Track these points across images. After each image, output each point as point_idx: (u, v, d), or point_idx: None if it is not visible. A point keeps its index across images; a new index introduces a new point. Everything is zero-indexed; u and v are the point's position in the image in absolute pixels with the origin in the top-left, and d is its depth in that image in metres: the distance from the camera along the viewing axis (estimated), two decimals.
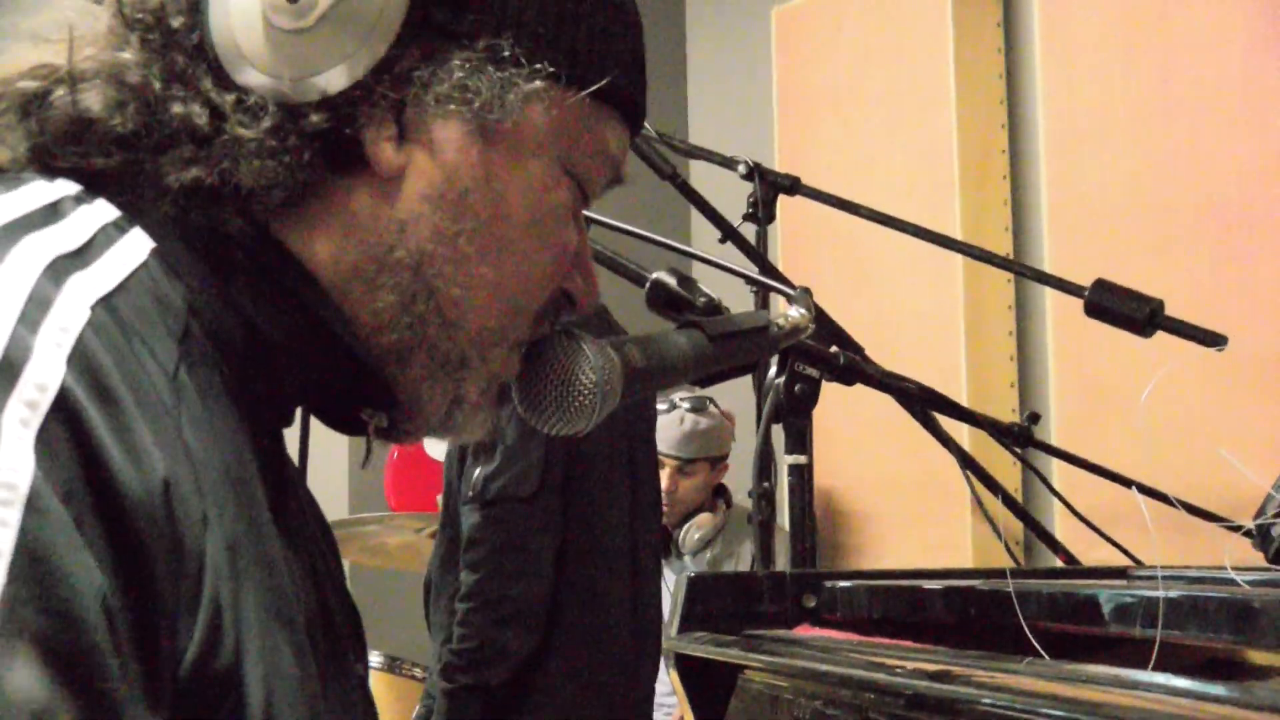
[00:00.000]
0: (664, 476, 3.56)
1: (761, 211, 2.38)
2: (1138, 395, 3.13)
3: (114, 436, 0.68)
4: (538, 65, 0.85)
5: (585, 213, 0.95)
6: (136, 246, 0.78)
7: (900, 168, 3.79)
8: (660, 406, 3.51)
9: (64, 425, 0.67)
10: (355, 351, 0.86)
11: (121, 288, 0.74)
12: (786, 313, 1.25)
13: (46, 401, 0.67)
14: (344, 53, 0.82)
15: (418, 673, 3.37)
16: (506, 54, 0.84)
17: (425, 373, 0.88)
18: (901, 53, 3.87)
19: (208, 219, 0.81)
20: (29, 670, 0.63)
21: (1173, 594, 0.96)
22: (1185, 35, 3.22)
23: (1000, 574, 1.19)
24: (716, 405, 3.79)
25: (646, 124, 2.17)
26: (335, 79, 0.82)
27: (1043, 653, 1.02)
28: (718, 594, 1.47)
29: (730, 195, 2.36)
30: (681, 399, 3.75)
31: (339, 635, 0.90)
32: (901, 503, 3.76)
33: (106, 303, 0.72)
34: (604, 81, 0.88)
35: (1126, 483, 1.38)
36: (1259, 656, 1.03)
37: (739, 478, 3.86)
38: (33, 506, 0.65)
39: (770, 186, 2.38)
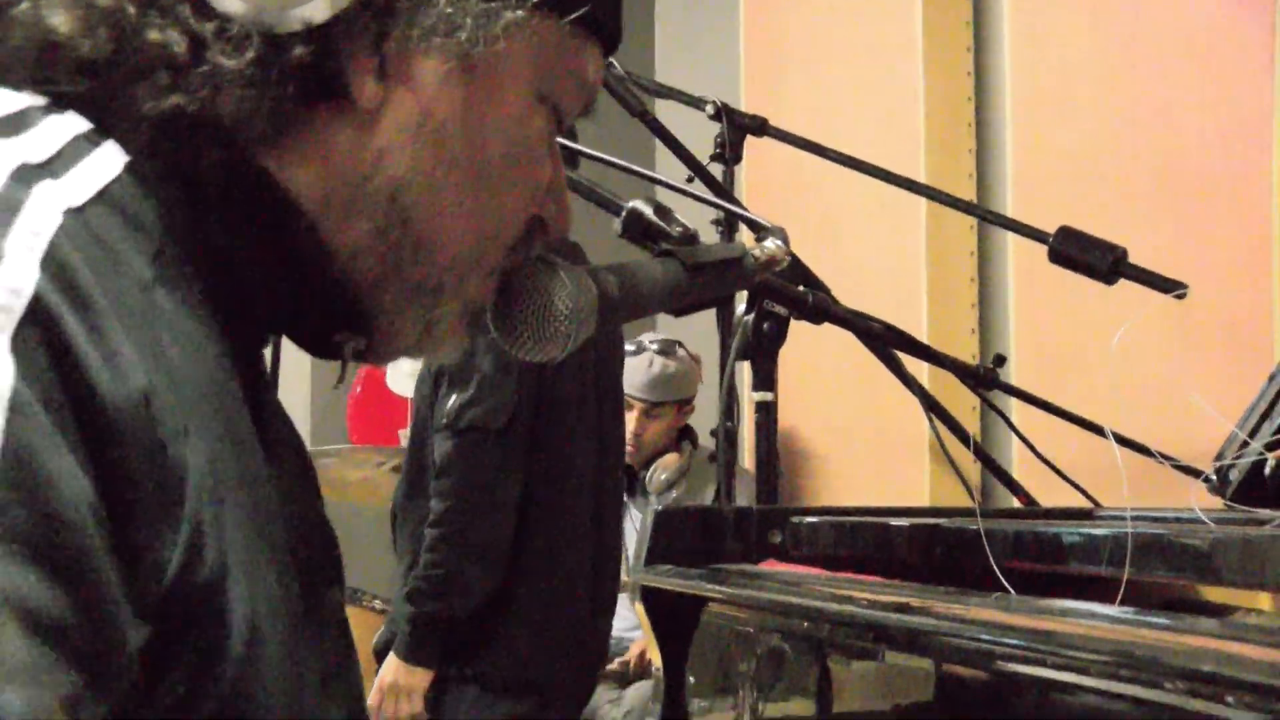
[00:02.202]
0: (631, 419, 3.58)
1: (729, 152, 2.38)
2: (1097, 344, 3.15)
3: (91, 344, 0.67)
4: None
5: (563, 142, 0.95)
6: (109, 160, 0.76)
7: (866, 113, 3.80)
8: (628, 349, 3.52)
9: (39, 331, 0.65)
10: (332, 277, 0.85)
11: (93, 201, 0.73)
12: (763, 245, 1.25)
13: (20, 306, 0.65)
14: None
15: (378, 604, 3.39)
16: None
17: (401, 298, 0.87)
18: (868, 5, 3.87)
19: (185, 147, 0.80)
20: (20, 571, 0.62)
21: (1140, 531, 0.96)
22: (1158, 9, 3.23)
23: (968, 513, 1.20)
24: (684, 348, 3.80)
25: (615, 62, 2.16)
26: (319, 9, 0.80)
27: (1009, 589, 1.03)
28: (684, 529, 1.48)
29: (696, 136, 2.34)
30: (650, 341, 3.77)
31: (317, 557, 0.89)
32: (860, 444, 3.79)
33: (78, 214, 0.71)
34: (584, 9, 0.87)
35: (1097, 429, 1.38)
36: (1223, 593, 1.04)
37: (702, 418, 3.87)
38: (16, 409, 0.63)
39: (738, 127, 2.38)
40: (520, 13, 0.84)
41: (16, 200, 0.68)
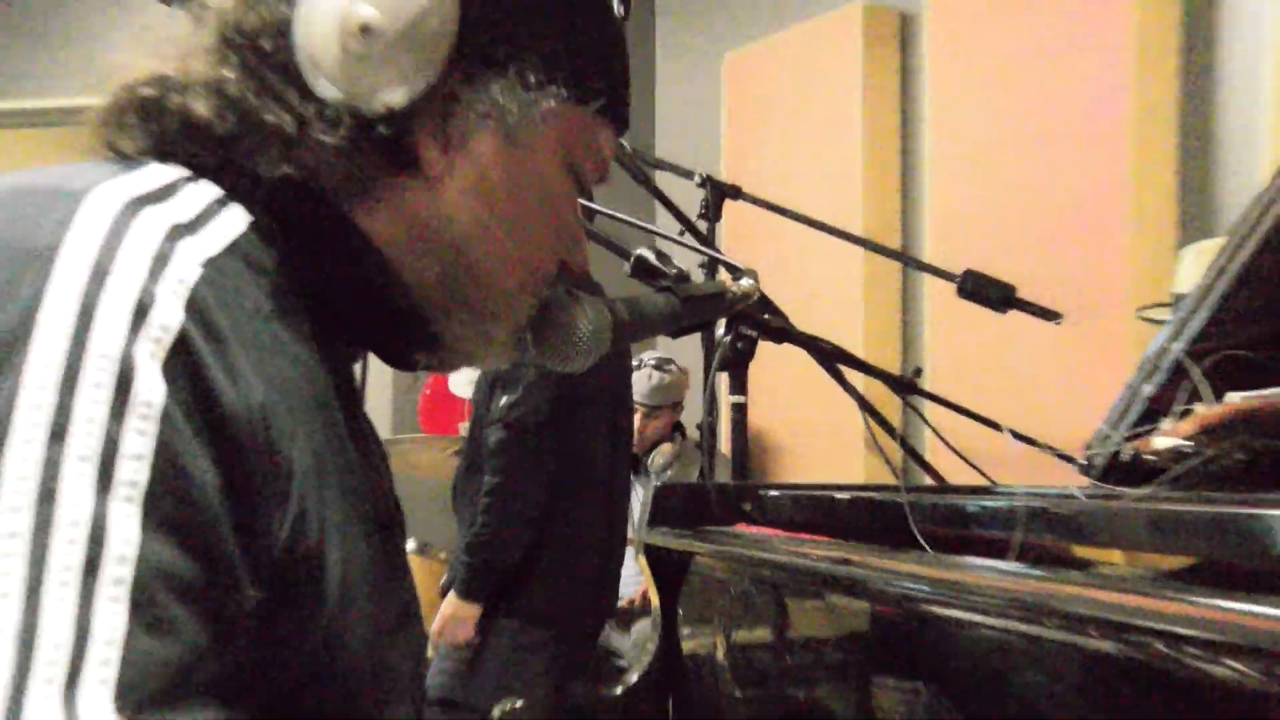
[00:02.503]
0: (636, 419, 3.57)
1: (711, 212, 2.37)
2: (995, 358, 3.15)
3: (221, 369, 0.66)
4: (555, 86, 0.83)
5: (589, 205, 0.94)
6: (236, 219, 0.75)
7: (817, 180, 3.80)
8: (633, 364, 3.52)
9: (182, 359, 0.65)
10: (408, 307, 0.85)
11: (226, 251, 0.72)
12: (739, 283, 1.25)
13: (169, 340, 0.65)
14: (404, 75, 0.79)
15: (441, 555, 3.37)
16: (531, 79, 0.82)
17: (464, 321, 0.86)
18: (821, 93, 3.88)
19: (294, 205, 0.79)
20: (166, 546, 0.62)
21: (1027, 504, 0.96)
22: (1038, 91, 3.24)
23: (893, 489, 1.20)
24: (675, 363, 3.79)
25: (625, 141, 2.15)
26: (397, 96, 0.79)
27: (926, 548, 1.03)
28: (677, 500, 1.47)
29: (687, 199, 2.34)
30: (649, 359, 3.76)
31: (393, 523, 0.89)
32: (811, 436, 3.79)
33: (214, 262, 0.70)
34: (603, 100, 0.87)
35: (994, 424, 1.38)
36: (1090, 552, 1.04)
37: (690, 415, 3.86)
38: (165, 420, 0.63)
39: (718, 193, 2.37)
40: (554, 102, 0.83)
41: (167, 254, 0.68)
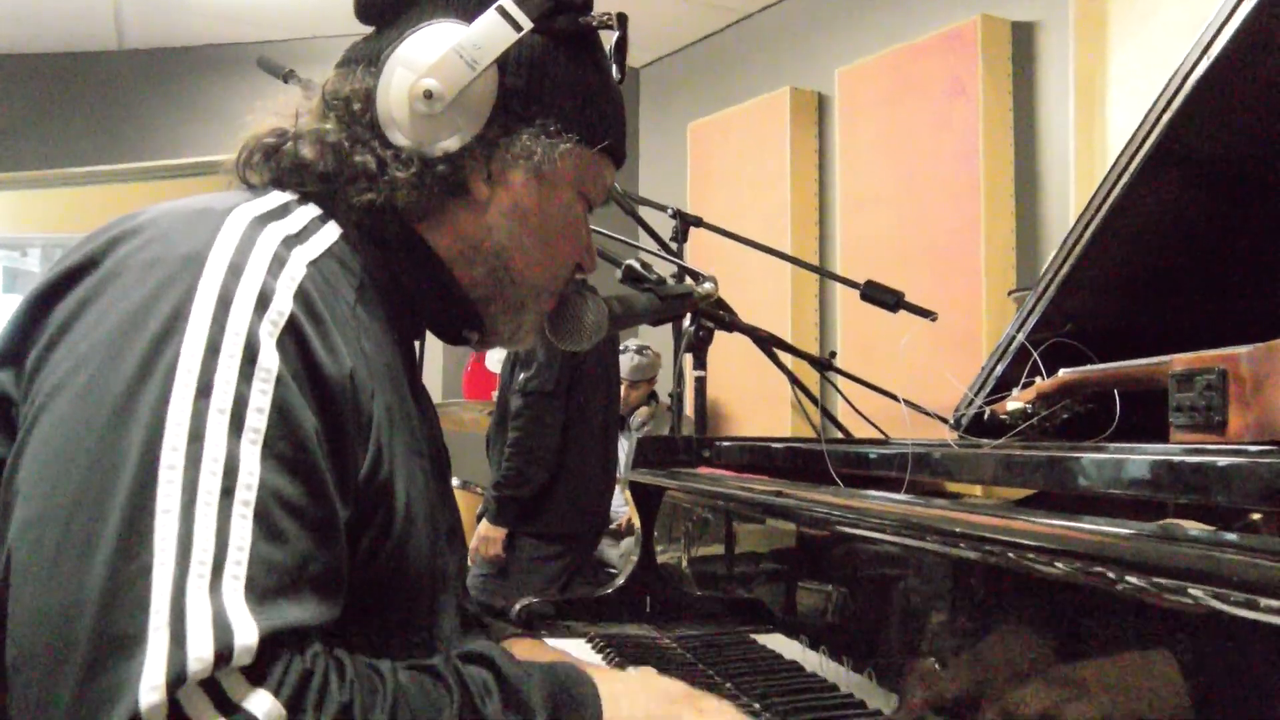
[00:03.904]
0: (622, 389, 3.57)
1: (680, 235, 2.36)
2: (889, 344, 3.16)
3: (321, 343, 0.66)
4: (570, 134, 0.83)
5: (594, 228, 0.93)
6: (332, 231, 0.75)
7: (756, 213, 3.80)
8: (620, 350, 3.52)
9: (292, 336, 0.65)
10: (461, 299, 0.84)
11: (324, 255, 0.72)
12: (702, 286, 1.24)
13: (283, 322, 0.65)
14: (457, 128, 0.79)
15: (478, 490, 3.36)
16: (552, 129, 0.82)
17: (501, 311, 0.86)
18: (760, 151, 3.88)
19: (375, 223, 0.79)
20: (281, 476, 0.62)
21: (914, 452, 0.96)
22: (917, 155, 3.24)
23: (814, 441, 1.20)
24: (650, 349, 3.79)
25: (617, 184, 2.13)
26: (452, 143, 0.79)
27: (839, 483, 1.03)
28: (653, 448, 1.47)
29: (663, 226, 2.33)
30: (632, 346, 3.76)
31: (443, 463, 0.88)
32: (752, 402, 3.79)
33: (316, 263, 0.70)
34: (606, 143, 0.86)
35: (891, 395, 1.37)
36: (958, 486, 1.04)
37: (663, 385, 3.86)
38: (279, 381, 0.63)
39: (685, 222, 2.35)
40: (569, 145, 0.83)
41: (284, 258, 0.68)
